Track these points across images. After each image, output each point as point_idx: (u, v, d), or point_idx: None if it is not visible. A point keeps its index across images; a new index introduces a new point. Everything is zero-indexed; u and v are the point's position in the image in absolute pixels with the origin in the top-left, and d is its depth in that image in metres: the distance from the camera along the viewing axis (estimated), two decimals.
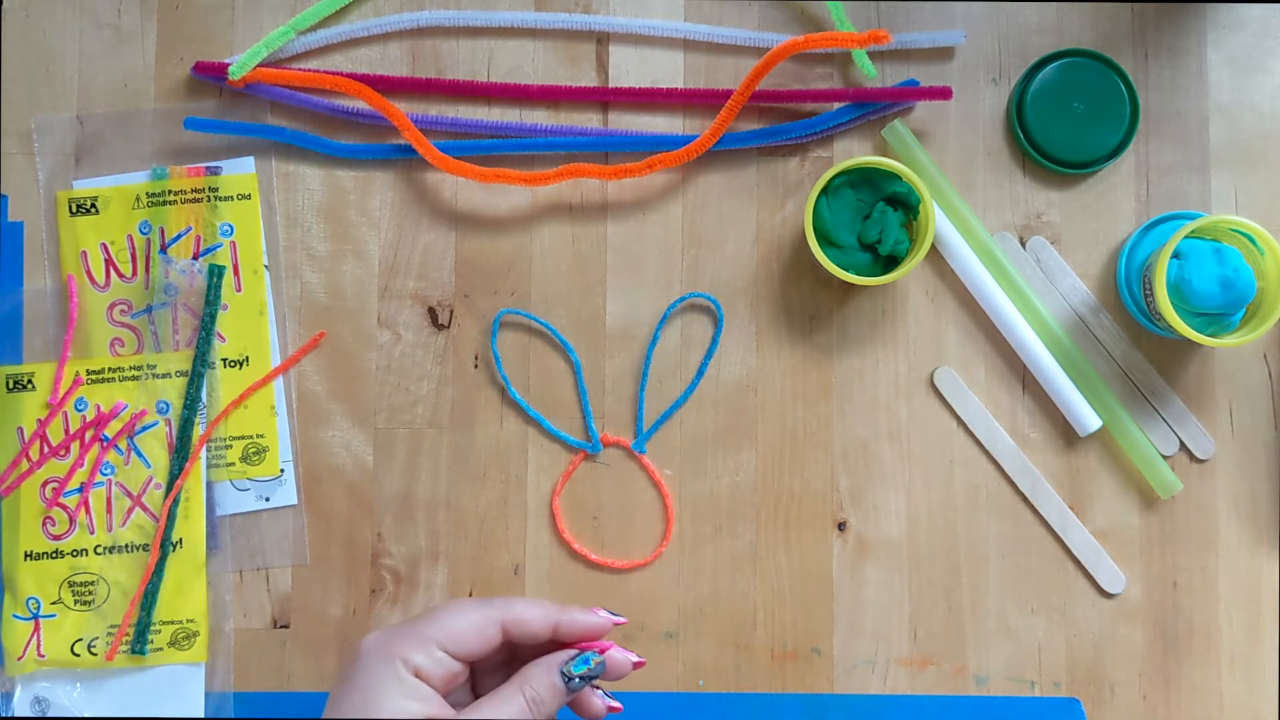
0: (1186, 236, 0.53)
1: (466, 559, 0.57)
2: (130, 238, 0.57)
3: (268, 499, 0.57)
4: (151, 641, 0.55)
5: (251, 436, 0.57)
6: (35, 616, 0.56)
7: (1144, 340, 0.57)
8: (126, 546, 0.56)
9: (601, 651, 0.45)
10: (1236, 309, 0.52)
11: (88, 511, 0.56)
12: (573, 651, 0.45)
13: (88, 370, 0.56)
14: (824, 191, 0.54)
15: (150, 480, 0.56)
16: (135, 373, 0.56)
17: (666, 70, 0.58)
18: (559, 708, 0.45)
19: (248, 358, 0.57)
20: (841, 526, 0.56)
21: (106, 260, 0.57)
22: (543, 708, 0.44)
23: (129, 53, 0.58)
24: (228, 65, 0.57)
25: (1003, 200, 0.57)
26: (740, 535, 0.57)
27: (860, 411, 0.57)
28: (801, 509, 0.56)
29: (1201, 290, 0.52)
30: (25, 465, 0.56)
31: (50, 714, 0.55)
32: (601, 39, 0.58)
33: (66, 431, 0.56)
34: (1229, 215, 0.53)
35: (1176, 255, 0.53)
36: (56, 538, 0.56)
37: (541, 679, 0.45)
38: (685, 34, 0.58)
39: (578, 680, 0.45)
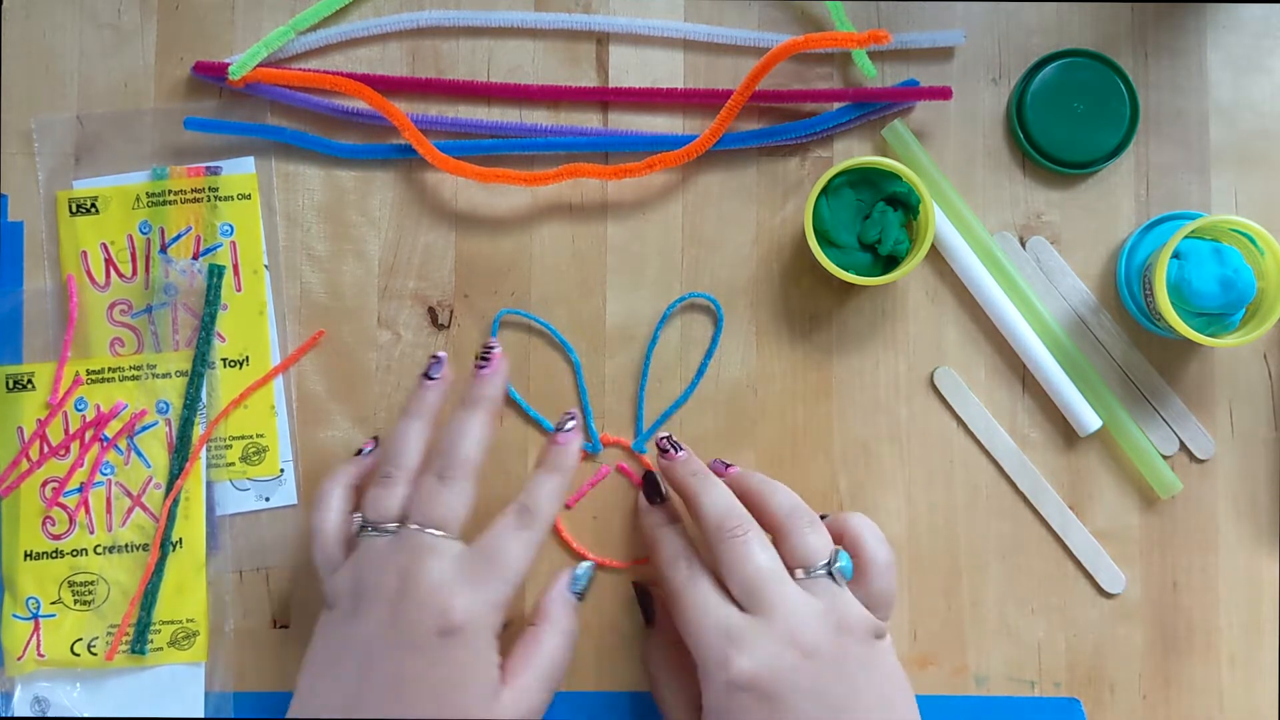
0: (1186, 236, 0.53)
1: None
2: (130, 238, 0.57)
3: (268, 499, 0.57)
4: (151, 641, 0.55)
5: (251, 436, 0.57)
6: (35, 616, 0.56)
7: (1144, 340, 0.57)
8: (126, 546, 0.56)
9: (583, 557, 0.55)
10: (1236, 309, 0.52)
11: (87, 511, 0.56)
12: (567, 577, 0.53)
13: (88, 370, 0.56)
14: (824, 191, 0.54)
15: (150, 480, 0.56)
16: (135, 373, 0.56)
17: (666, 70, 0.58)
18: (578, 622, 0.52)
19: (248, 358, 0.57)
20: None
21: (106, 260, 0.57)
22: (573, 630, 0.51)
23: (129, 53, 0.58)
24: (228, 65, 0.57)
25: (1003, 200, 0.57)
26: None
27: (860, 411, 0.57)
28: None
29: (1201, 290, 0.52)
30: (25, 465, 0.56)
31: (50, 714, 0.55)
32: (601, 39, 0.59)
33: (66, 431, 0.56)
34: (1229, 215, 0.53)
35: (1176, 255, 0.53)
36: (56, 537, 0.56)
37: (562, 612, 0.51)
38: (685, 34, 0.58)
39: (584, 593, 0.53)
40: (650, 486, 0.54)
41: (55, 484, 0.56)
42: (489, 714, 0.46)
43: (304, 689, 0.48)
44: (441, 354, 0.53)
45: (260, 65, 0.57)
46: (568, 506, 0.57)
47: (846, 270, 0.54)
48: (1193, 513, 0.56)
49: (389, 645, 0.46)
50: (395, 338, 0.57)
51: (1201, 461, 0.57)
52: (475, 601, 0.47)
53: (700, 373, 0.57)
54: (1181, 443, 0.56)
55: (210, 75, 0.57)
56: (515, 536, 0.49)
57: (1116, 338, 0.57)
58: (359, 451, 0.55)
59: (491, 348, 0.52)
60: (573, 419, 0.52)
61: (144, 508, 0.56)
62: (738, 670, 0.45)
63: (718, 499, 0.49)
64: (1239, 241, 0.53)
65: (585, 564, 0.54)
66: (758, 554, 0.47)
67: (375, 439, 0.55)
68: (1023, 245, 0.57)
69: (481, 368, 0.52)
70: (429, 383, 0.52)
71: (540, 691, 0.48)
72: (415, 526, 0.48)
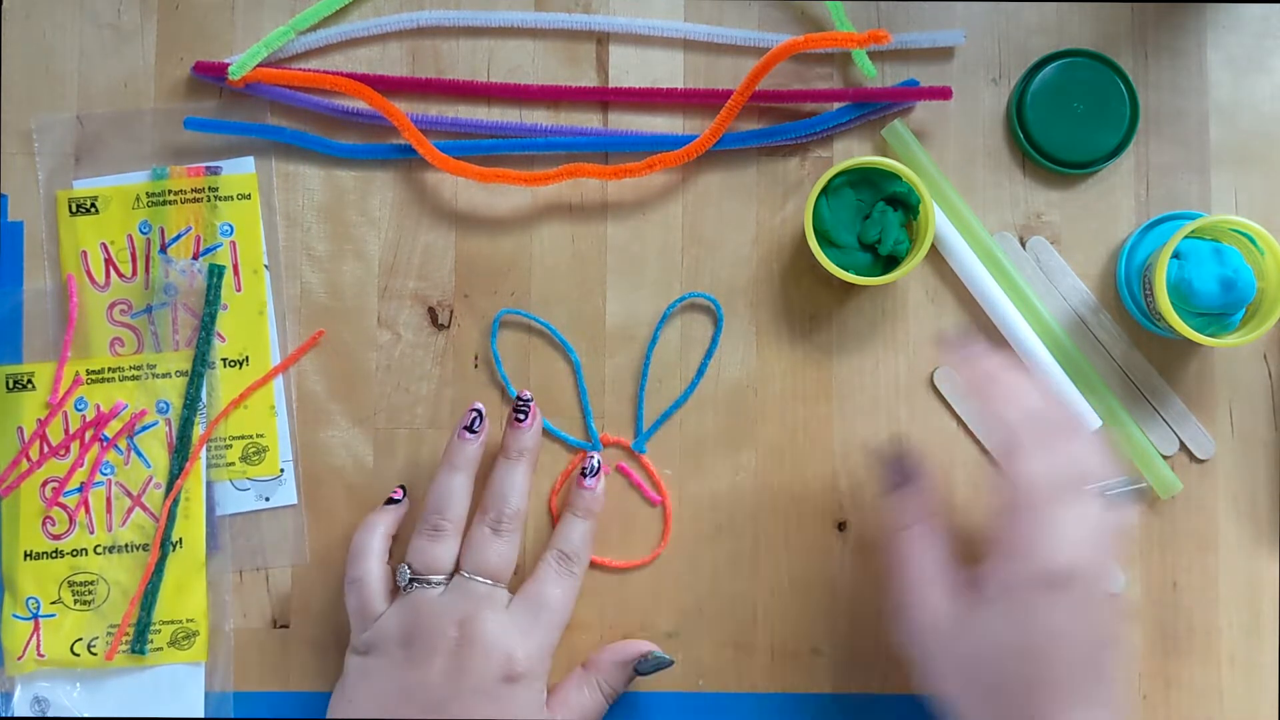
0: (1186, 236, 0.53)
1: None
2: (130, 238, 0.57)
3: (268, 499, 0.57)
4: (151, 641, 0.55)
5: (251, 436, 0.57)
6: (35, 616, 0.56)
7: (1144, 340, 0.57)
8: (126, 546, 0.56)
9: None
10: (1236, 309, 0.52)
11: (87, 511, 0.56)
12: (643, 648, 0.54)
13: (88, 370, 0.56)
14: (824, 191, 0.54)
15: (150, 480, 0.56)
16: (135, 373, 0.56)
17: (666, 70, 0.58)
18: (621, 691, 0.54)
19: (248, 358, 0.57)
20: (841, 526, 0.56)
21: (106, 260, 0.57)
22: (615, 694, 0.54)
23: (129, 53, 0.58)
24: (228, 65, 0.57)
25: (1003, 200, 0.57)
26: (740, 535, 0.57)
27: (860, 411, 0.57)
28: (801, 509, 0.56)
29: (1201, 290, 0.52)
30: (25, 465, 0.56)
31: (50, 714, 0.55)
32: (601, 39, 0.59)
33: (66, 431, 0.56)
34: (1229, 215, 0.53)
35: (1176, 255, 0.53)
36: (56, 537, 0.56)
37: (620, 677, 0.53)
38: (685, 34, 0.58)
39: (649, 673, 0.54)
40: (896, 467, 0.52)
41: (55, 484, 0.56)
42: None
43: None
44: (480, 406, 0.54)
45: (260, 65, 0.57)
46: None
47: (846, 270, 0.54)
48: (1193, 513, 0.56)
49: (458, 691, 0.48)
50: (395, 338, 0.57)
51: (1201, 461, 0.57)
52: (532, 648, 0.50)
53: (700, 373, 0.57)
54: (1181, 443, 0.56)
55: (210, 75, 0.57)
56: (559, 583, 0.52)
57: (1116, 338, 0.57)
58: (389, 500, 0.55)
59: (527, 400, 0.54)
60: (596, 459, 0.55)
61: (144, 508, 0.56)
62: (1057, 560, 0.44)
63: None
64: (1239, 241, 0.53)
65: (666, 656, 0.54)
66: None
67: (403, 488, 0.56)
68: (1023, 245, 0.57)
69: (520, 421, 0.54)
70: (470, 436, 0.53)
71: None
72: (468, 575, 0.51)
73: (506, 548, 0.52)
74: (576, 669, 0.54)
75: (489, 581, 0.51)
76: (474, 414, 0.54)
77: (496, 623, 0.50)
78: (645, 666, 0.53)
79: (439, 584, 0.51)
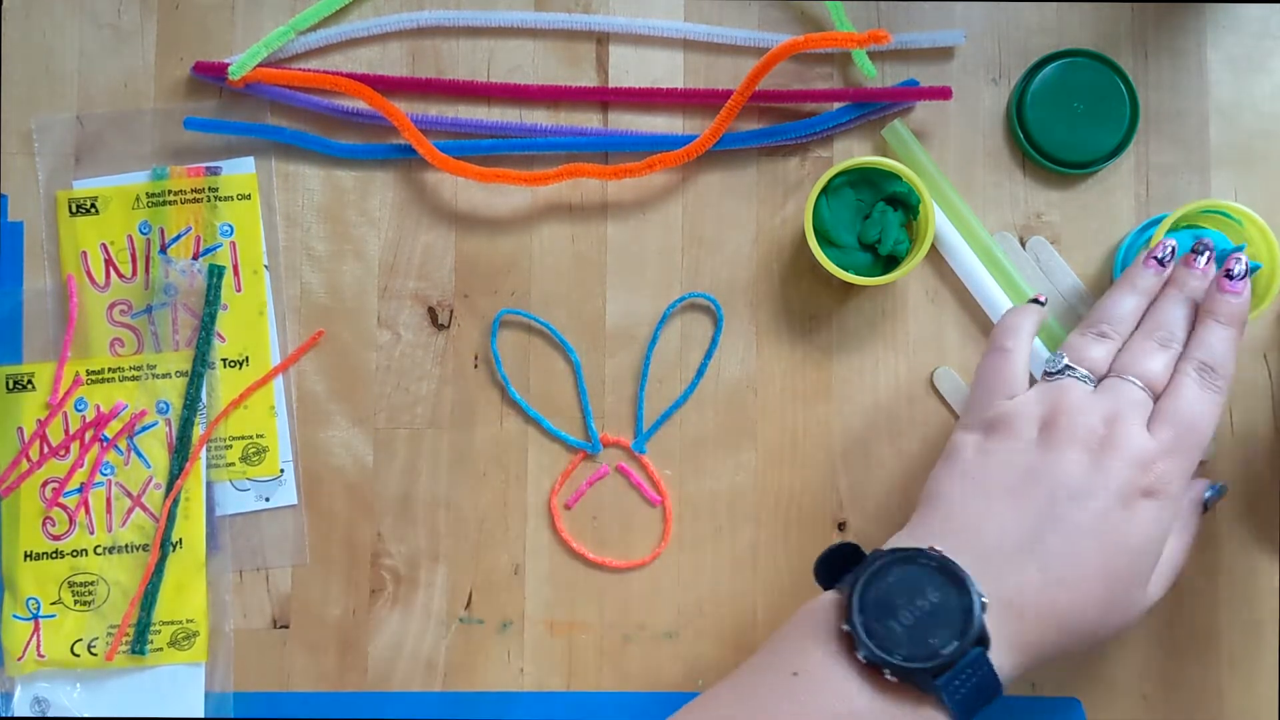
0: (1167, 233, 0.52)
1: (466, 559, 0.57)
2: (130, 238, 0.57)
3: (268, 499, 0.57)
4: (151, 642, 0.55)
5: (251, 436, 0.57)
6: (35, 617, 0.56)
7: None
8: (126, 546, 0.56)
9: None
10: None
11: (88, 512, 0.56)
12: (1202, 484, 0.50)
13: (88, 370, 0.56)
14: (824, 191, 0.54)
15: (150, 480, 0.56)
16: (135, 373, 0.56)
17: (666, 70, 0.58)
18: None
19: (248, 358, 0.57)
20: (841, 526, 0.56)
21: (106, 260, 0.57)
22: (1194, 538, 0.50)
23: (129, 53, 0.58)
24: (228, 65, 0.57)
25: (1003, 200, 0.57)
26: (740, 535, 0.57)
27: (860, 411, 0.57)
28: (801, 509, 0.56)
29: None
30: (25, 465, 0.56)
31: (50, 714, 0.55)
32: (601, 39, 0.58)
33: (66, 432, 0.56)
34: (1196, 201, 0.53)
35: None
36: (56, 538, 0.56)
37: (1190, 515, 0.50)
38: (685, 34, 0.58)
39: (1209, 505, 0.50)
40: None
41: (55, 484, 0.56)
42: (1145, 589, 0.46)
43: (970, 507, 0.46)
44: (1173, 242, 0.50)
45: (260, 65, 0.57)
46: (567, 506, 0.57)
47: (846, 270, 0.54)
48: None
49: (1093, 489, 0.44)
50: (395, 338, 0.57)
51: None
52: (1174, 469, 0.45)
53: (700, 373, 0.57)
54: None
55: (210, 75, 0.57)
56: (1201, 399, 0.46)
57: None
58: (1034, 300, 0.52)
59: (1240, 258, 0.49)
60: (1244, 261, 0.49)
61: (144, 508, 0.56)
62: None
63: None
64: (1217, 222, 0.53)
65: (1220, 483, 0.51)
66: None
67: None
68: (1023, 245, 0.57)
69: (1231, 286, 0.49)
70: (1155, 266, 0.50)
71: (1162, 590, 0.48)
72: (1123, 377, 0.47)
73: (1168, 360, 0.48)
74: None
75: (1146, 390, 0.47)
76: (1169, 247, 0.50)
77: (1144, 433, 0.45)
78: (1210, 491, 0.50)
79: (1090, 381, 0.47)
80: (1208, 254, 0.50)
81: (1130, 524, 0.45)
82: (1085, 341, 0.49)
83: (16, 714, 0.55)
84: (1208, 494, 0.50)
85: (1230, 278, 0.48)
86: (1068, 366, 0.48)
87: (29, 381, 0.56)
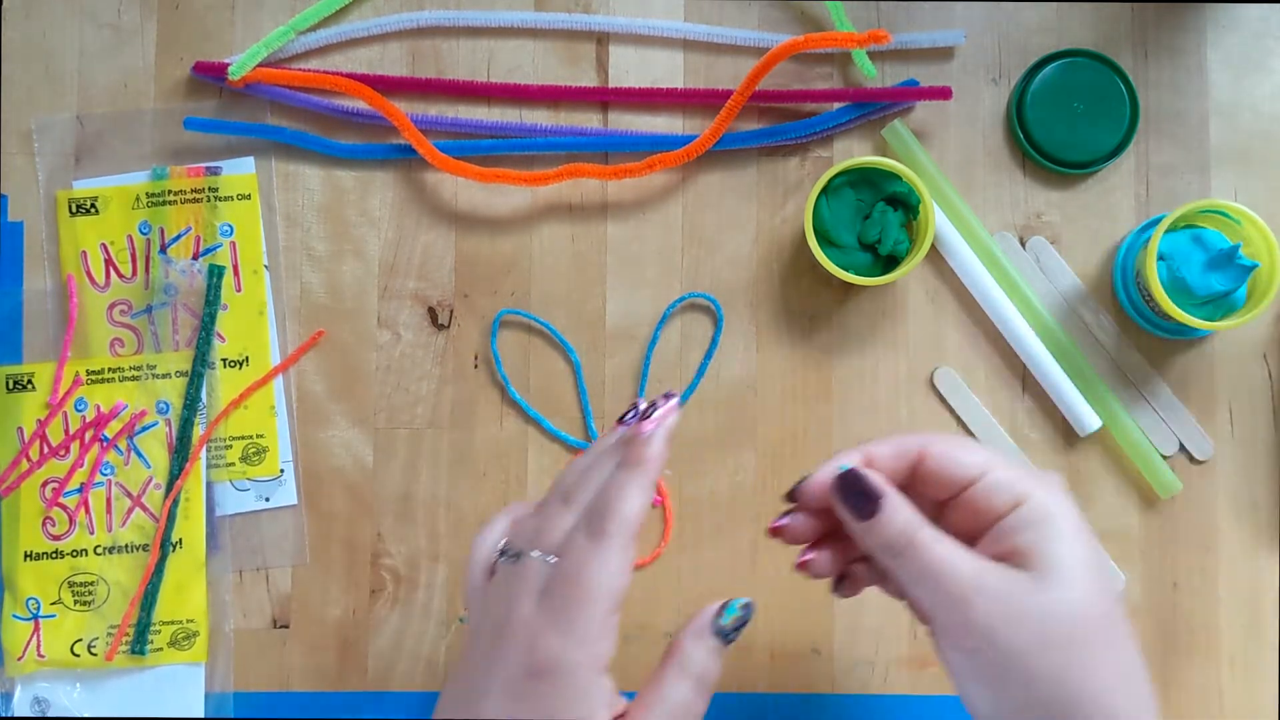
0: (1164, 234, 0.52)
1: (466, 559, 0.56)
2: (130, 238, 0.57)
3: (268, 499, 0.57)
4: (151, 642, 0.55)
5: (251, 436, 0.57)
6: (35, 617, 0.56)
7: (1143, 340, 0.57)
8: (126, 547, 0.56)
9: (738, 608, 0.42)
10: (1239, 281, 0.52)
11: (87, 512, 0.56)
12: (714, 608, 0.42)
13: (87, 370, 0.56)
14: (824, 191, 0.54)
15: (150, 480, 0.56)
16: (135, 373, 0.56)
17: (666, 70, 0.58)
18: (719, 668, 0.42)
19: (248, 358, 0.57)
20: None
21: (106, 260, 0.57)
22: (708, 676, 0.41)
23: (129, 53, 0.58)
24: (228, 65, 0.57)
25: (1003, 200, 0.57)
26: (740, 535, 0.56)
27: (860, 411, 0.57)
28: None
29: (1197, 281, 0.52)
30: (25, 465, 0.56)
31: (50, 714, 0.55)
32: (601, 39, 0.58)
33: (66, 432, 0.56)
34: (1196, 201, 0.53)
35: (1163, 257, 0.53)
36: (56, 538, 0.56)
37: (694, 651, 0.41)
38: (685, 34, 0.58)
39: (733, 633, 0.42)
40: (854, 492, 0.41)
41: (55, 484, 0.56)
42: None
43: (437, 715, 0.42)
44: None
45: (260, 65, 0.57)
46: None
47: (846, 270, 0.54)
48: (1192, 513, 0.56)
49: (490, 685, 0.40)
50: (395, 338, 0.57)
51: (1201, 462, 0.56)
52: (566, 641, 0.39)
53: (700, 373, 0.57)
54: (1181, 443, 0.56)
55: (210, 75, 0.57)
56: (591, 552, 0.41)
57: (1116, 338, 0.57)
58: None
59: (669, 395, 0.45)
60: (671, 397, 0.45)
61: (144, 508, 0.56)
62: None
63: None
64: (1215, 221, 0.53)
65: (739, 602, 0.42)
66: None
67: None
68: (1023, 245, 0.57)
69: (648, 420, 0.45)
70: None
71: None
72: (535, 554, 0.42)
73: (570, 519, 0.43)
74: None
75: (549, 558, 0.41)
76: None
77: (530, 606, 0.41)
78: (722, 621, 0.42)
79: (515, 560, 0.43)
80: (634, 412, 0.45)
81: (534, 709, 0.39)
82: (525, 518, 0.44)
83: (16, 714, 0.55)
84: (720, 620, 0.42)
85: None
86: (501, 552, 0.43)
87: (29, 381, 0.56)
